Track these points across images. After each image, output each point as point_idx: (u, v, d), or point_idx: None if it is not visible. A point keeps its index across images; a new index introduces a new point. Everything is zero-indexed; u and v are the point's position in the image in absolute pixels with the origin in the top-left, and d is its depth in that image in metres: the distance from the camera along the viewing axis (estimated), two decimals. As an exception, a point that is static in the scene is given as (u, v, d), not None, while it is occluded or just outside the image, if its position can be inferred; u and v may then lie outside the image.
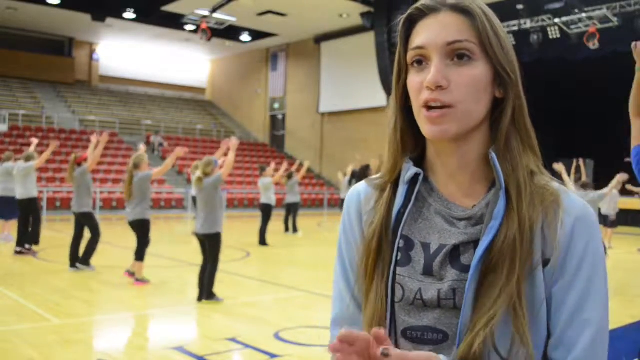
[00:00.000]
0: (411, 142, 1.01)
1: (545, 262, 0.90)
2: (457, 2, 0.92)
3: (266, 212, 12.06)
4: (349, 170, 16.12)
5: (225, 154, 7.42)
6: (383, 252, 0.97)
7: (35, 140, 10.73)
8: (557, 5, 16.69)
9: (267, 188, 12.06)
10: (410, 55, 0.95)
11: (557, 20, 16.67)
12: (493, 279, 0.88)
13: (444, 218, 0.96)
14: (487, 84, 0.93)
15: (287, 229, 14.21)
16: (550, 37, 17.01)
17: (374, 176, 1.07)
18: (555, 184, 0.94)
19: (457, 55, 0.91)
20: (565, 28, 16.64)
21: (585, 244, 0.90)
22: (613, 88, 18.87)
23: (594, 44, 15.91)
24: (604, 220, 11.81)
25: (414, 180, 0.98)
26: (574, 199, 0.93)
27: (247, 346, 5.00)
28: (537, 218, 0.90)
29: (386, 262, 0.97)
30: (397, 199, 0.98)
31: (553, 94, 19.09)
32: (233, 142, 6.74)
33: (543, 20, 17.02)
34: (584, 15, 16.06)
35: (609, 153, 17.82)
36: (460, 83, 0.90)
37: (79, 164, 8.23)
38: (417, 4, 0.96)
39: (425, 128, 0.92)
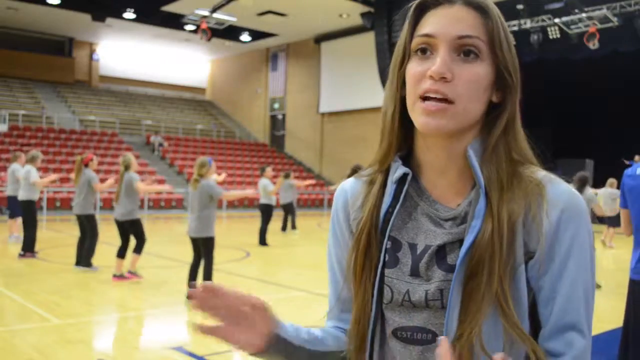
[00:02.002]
0: (402, 134, 0.97)
1: (531, 256, 0.88)
2: None
3: (266, 212, 12.06)
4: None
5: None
6: (371, 253, 0.96)
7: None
8: (557, 5, 16.69)
9: (266, 189, 12.06)
10: (416, 42, 0.91)
11: (557, 20, 16.66)
12: (477, 278, 0.86)
13: (430, 219, 0.94)
14: (488, 85, 0.91)
15: (283, 228, 14.22)
16: (550, 37, 17.01)
17: (362, 171, 1.04)
18: (540, 173, 0.91)
19: (464, 51, 0.89)
20: (565, 28, 16.64)
21: (573, 233, 0.88)
22: (613, 88, 18.91)
23: (594, 44, 15.91)
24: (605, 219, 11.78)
25: (402, 180, 0.96)
26: (559, 188, 0.89)
27: (247, 346, 4.99)
28: (520, 212, 0.87)
29: (374, 263, 0.95)
30: (385, 198, 0.96)
31: (553, 94, 19.09)
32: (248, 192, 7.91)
33: (543, 20, 17.01)
34: (584, 15, 16.06)
35: (609, 153, 17.82)
36: (464, 79, 0.88)
37: (86, 165, 8.34)
38: None
39: (420, 120, 0.89)
